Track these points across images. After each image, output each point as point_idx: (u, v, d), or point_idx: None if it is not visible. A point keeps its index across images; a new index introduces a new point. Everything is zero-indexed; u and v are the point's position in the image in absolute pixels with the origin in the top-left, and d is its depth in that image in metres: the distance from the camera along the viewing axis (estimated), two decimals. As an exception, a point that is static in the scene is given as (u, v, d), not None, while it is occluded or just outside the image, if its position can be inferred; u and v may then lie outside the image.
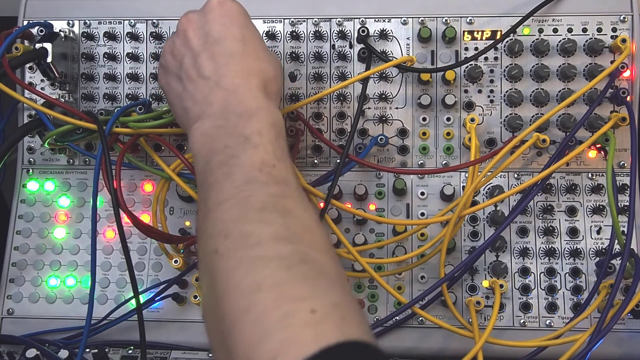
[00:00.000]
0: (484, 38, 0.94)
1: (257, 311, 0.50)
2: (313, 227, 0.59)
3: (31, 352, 0.80)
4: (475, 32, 0.94)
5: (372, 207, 0.95)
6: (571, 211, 0.92)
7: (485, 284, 0.91)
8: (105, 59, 0.97)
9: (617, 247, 0.86)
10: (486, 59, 0.94)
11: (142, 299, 0.91)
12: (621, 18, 0.93)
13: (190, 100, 0.72)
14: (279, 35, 0.96)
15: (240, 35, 0.74)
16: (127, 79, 0.97)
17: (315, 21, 0.95)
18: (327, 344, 0.46)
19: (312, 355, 0.45)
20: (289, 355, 0.46)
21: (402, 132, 0.94)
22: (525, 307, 0.91)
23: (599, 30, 0.93)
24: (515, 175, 0.94)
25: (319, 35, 0.95)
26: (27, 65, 0.97)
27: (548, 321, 0.90)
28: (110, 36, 0.97)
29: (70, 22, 0.97)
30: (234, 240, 0.56)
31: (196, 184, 0.72)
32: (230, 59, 0.72)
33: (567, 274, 0.91)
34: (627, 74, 0.91)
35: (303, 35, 0.96)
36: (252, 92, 0.70)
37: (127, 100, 0.97)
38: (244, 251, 0.55)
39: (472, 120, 0.91)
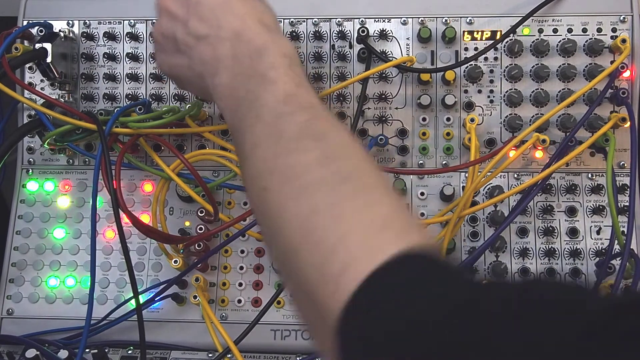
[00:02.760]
0: (483, 38, 0.94)
1: (318, 234, 0.51)
2: (349, 142, 0.60)
3: (31, 352, 0.80)
4: (475, 32, 0.94)
5: (372, 207, 0.95)
6: (571, 211, 0.92)
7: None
8: (105, 59, 0.97)
9: (617, 247, 0.86)
10: (486, 59, 0.94)
11: (142, 299, 0.90)
12: (621, 18, 0.93)
13: (199, 65, 0.72)
14: (279, 35, 0.96)
15: None
16: (127, 79, 0.97)
17: (315, 21, 0.95)
18: (391, 254, 0.47)
19: (379, 266, 0.46)
20: (357, 267, 0.47)
21: (402, 133, 0.94)
22: (525, 307, 0.90)
23: (599, 30, 0.93)
24: (515, 176, 0.94)
25: (318, 36, 0.95)
26: (27, 66, 0.97)
27: (548, 321, 0.90)
28: (110, 36, 0.97)
29: (70, 22, 0.97)
30: (279, 174, 0.57)
31: (232, 139, 0.72)
32: (217, 11, 0.72)
33: (567, 274, 0.91)
34: (627, 74, 0.91)
35: (303, 35, 0.95)
36: (253, 31, 0.70)
37: (126, 100, 0.97)
38: (292, 181, 0.56)
39: (472, 120, 0.91)
